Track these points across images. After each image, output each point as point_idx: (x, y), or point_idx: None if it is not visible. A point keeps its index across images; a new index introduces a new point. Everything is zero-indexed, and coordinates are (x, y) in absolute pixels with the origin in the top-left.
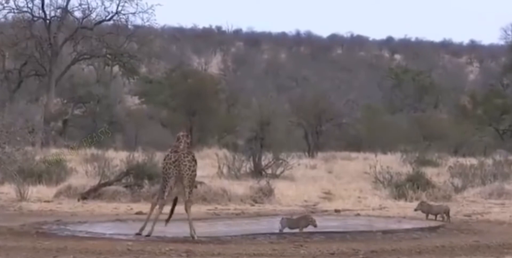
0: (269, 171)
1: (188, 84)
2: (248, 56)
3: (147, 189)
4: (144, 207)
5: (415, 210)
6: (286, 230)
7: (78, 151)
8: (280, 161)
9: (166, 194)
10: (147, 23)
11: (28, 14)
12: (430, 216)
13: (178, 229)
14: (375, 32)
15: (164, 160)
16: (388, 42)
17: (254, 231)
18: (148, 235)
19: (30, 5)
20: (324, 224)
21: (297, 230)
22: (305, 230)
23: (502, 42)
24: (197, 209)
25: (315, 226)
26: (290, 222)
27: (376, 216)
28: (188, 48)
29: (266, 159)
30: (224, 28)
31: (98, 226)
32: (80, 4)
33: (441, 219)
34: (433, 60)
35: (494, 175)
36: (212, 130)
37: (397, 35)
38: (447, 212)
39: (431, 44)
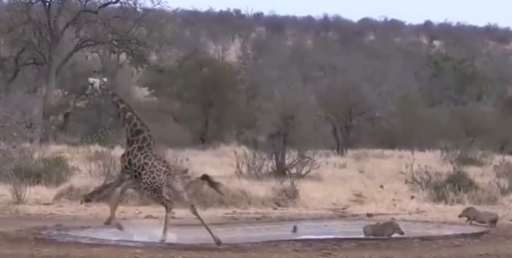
0: (294, 171)
1: (203, 74)
2: (270, 42)
3: None
4: (155, 210)
5: (460, 216)
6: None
7: (78, 149)
8: (306, 159)
9: (167, 197)
10: (157, 6)
11: None
12: (474, 222)
13: (191, 236)
14: (412, 16)
15: (150, 168)
16: (426, 27)
17: (277, 237)
18: (162, 241)
19: None
20: (354, 229)
21: (325, 237)
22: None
23: None
24: (214, 213)
25: (401, 233)
26: (375, 229)
27: (413, 221)
28: (203, 33)
29: (290, 157)
30: (243, 11)
31: (102, 231)
32: None
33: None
34: (476, 47)
35: None
36: (230, 124)
37: (436, 19)
38: (494, 221)
39: (474, 30)
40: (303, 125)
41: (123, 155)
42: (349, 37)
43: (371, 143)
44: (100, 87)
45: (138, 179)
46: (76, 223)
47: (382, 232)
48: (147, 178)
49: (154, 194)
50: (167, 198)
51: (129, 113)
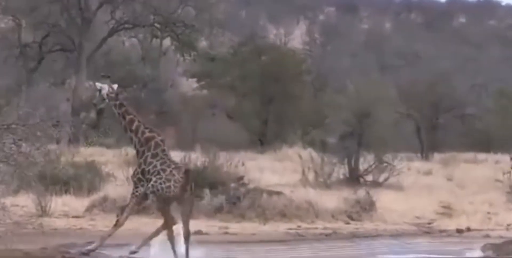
0: (370, 178)
1: (262, 63)
2: (341, 26)
3: (207, 201)
4: (204, 224)
5: None
6: None
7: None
8: (384, 165)
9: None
10: None
11: None
12: None
13: (249, 254)
14: None
15: (168, 176)
16: None
17: (351, 257)
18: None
19: None
20: (442, 248)
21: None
22: (417, 256)
23: None
24: (275, 227)
25: None
26: (495, 248)
27: None
28: (262, 15)
29: (366, 161)
30: None
31: (143, 250)
32: None
33: None
34: None
35: None
36: (294, 122)
37: None
38: None
39: None
40: (381, 124)
41: (134, 172)
42: (435, 19)
43: (462, 145)
44: (108, 95)
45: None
46: (111, 240)
47: (505, 251)
48: (161, 183)
49: (160, 203)
50: (170, 214)
51: (136, 123)
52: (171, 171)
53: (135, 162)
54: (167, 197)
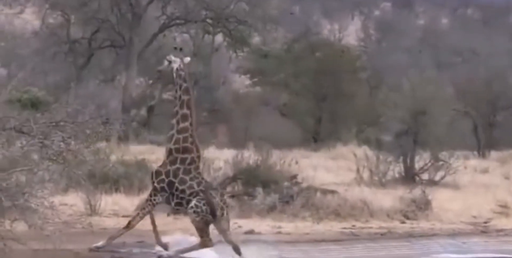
0: (425, 176)
1: (316, 60)
2: (396, 21)
3: (260, 200)
4: (257, 224)
5: None
6: None
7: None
8: (440, 163)
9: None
10: None
11: None
12: None
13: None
14: None
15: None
16: None
17: (406, 257)
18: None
19: None
20: (499, 247)
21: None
22: (473, 256)
23: None
24: (329, 227)
25: None
26: None
27: None
28: (316, 10)
29: (421, 160)
30: None
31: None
32: None
33: None
34: None
35: None
36: (349, 120)
37: None
38: None
39: None
40: (437, 122)
41: (158, 172)
42: (492, 16)
43: None
44: (177, 70)
45: (181, 205)
46: (162, 239)
47: None
48: (204, 205)
49: (203, 225)
50: (209, 234)
51: (186, 124)
52: (210, 193)
53: None
54: (209, 219)
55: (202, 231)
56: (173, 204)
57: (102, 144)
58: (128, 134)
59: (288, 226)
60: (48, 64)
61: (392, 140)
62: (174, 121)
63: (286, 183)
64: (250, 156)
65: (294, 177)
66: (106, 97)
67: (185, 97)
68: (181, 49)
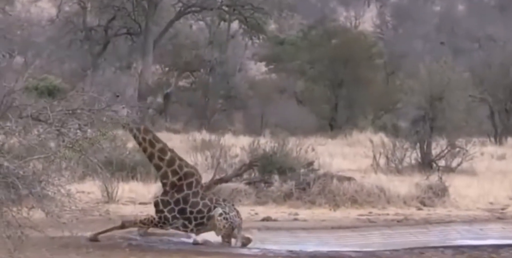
0: (442, 163)
1: (332, 46)
2: (413, 8)
3: (277, 187)
4: (273, 211)
5: None
6: None
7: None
8: (457, 150)
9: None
10: None
11: None
12: None
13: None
14: None
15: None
16: None
17: (422, 244)
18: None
19: None
20: None
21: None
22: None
23: None
24: (346, 214)
25: None
26: None
27: None
28: None
29: (438, 146)
30: None
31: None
32: None
33: None
34: None
35: None
36: (365, 107)
37: None
38: None
39: None
40: (454, 108)
41: (164, 201)
42: (509, 1)
43: None
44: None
45: (202, 224)
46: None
47: None
48: (228, 213)
49: (230, 230)
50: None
51: (169, 154)
52: (226, 204)
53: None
54: (236, 222)
55: (229, 237)
56: (191, 226)
57: (119, 132)
58: (145, 121)
59: (305, 213)
60: (64, 52)
61: (409, 126)
62: (156, 161)
63: (302, 170)
64: (266, 143)
65: (311, 163)
66: (122, 85)
67: (148, 136)
68: (118, 95)
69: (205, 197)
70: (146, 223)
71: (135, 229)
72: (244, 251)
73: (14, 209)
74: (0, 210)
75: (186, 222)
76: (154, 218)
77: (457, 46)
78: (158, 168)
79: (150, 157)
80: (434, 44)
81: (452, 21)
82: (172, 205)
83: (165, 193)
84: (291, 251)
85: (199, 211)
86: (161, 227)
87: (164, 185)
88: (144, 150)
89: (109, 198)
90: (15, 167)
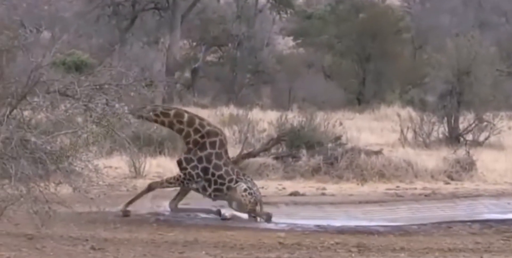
0: (470, 137)
1: (360, 21)
2: None
3: (305, 162)
4: (301, 185)
5: None
6: None
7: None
8: (485, 124)
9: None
10: None
11: None
12: None
13: (345, 215)
14: None
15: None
16: None
17: (450, 218)
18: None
19: None
20: None
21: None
22: None
23: None
24: (373, 188)
25: None
26: None
27: None
28: None
29: (466, 120)
30: None
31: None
32: None
33: None
34: None
35: None
36: (393, 81)
37: None
38: None
39: None
40: (481, 82)
41: (188, 159)
42: None
43: None
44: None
45: (220, 191)
46: (207, 201)
47: None
48: (253, 186)
49: (255, 206)
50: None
51: (187, 115)
52: (247, 179)
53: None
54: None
55: (255, 212)
56: (210, 190)
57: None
58: (172, 96)
59: (332, 188)
60: (91, 27)
61: (436, 101)
62: (177, 126)
63: (330, 145)
64: (294, 118)
65: (338, 138)
66: (150, 60)
67: (157, 111)
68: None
69: (228, 164)
70: (172, 181)
71: (166, 203)
72: (271, 226)
73: (42, 184)
74: (28, 186)
75: (206, 185)
76: (180, 176)
77: (484, 20)
78: (180, 131)
79: (171, 126)
80: (461, 18)
81: None
82: (196, 162)
83: (188, 151)
84: (318, 225)
85: (221, 176)
86: (187, 185)
87: (187, 143)
88: (163, 123)
89: (137, 173)
90: (43, 142)
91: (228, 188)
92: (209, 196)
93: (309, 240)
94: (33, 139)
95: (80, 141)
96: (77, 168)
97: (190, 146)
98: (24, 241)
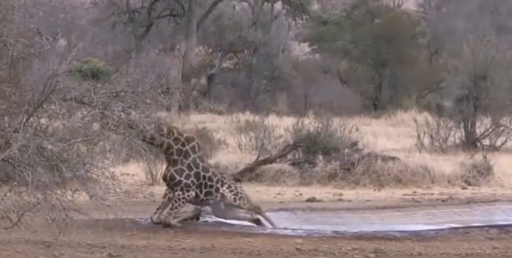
0: (486, 142)
1: (376, 26)
2: None
3: (321, 168)
4: (318, 191)
5: None
6: None
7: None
8: (502, 128)
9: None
10: None
11: None
12: None
13: (362, 220)
14: None
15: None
16: None
17: (467, 223)
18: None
19: None
20: None
21: None
22: None
23: None
24: (390, 193)
25: None
26: None
27: None
28: None
29: (482, 125)
30: None
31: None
32: None
33: None
34: None
35: None
36: (409, 87)
37: None
38: None
39: None
40: (498, 87)
41: (178, 170)
42: None
43: None
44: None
45: (210, 194)
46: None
47: None
48: (235, 189)
49: (249, 204)
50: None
51: (165, 128)
52: (226, 178)
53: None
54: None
55: (255, 208)
56: (202, 195)
57: (163, 113)
58: (189, 103)
59: (349, 193)
60: (107, 34)
61: (453, 106)
62: (158, 139)
63: (347, 150)
64: (310, 123)
65: (355, 143)
66: (166, 67)
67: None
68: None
69: (210, 166)
70: (177, 205)
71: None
72: (289, 232)
73: (59, 192)
74: (45, 193)
75: (198, 191)
76: (178, 194)
77: (500, 24)
78: (161, 144)
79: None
80: (477, 23)
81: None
82: (187, 171)
83: (174, 163)
84: (335, 231)
85: (210, 178)
86: (189, 199)
87: (170, 155)
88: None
89: (153, 180)
90: (59, 150)
91: (216, 190)
92: (201, 201)
93: (327, 246)
94: (49, 147)
95: (97, 148)
96: (94, 175)
97: (175, 157)
98: (41, 248)
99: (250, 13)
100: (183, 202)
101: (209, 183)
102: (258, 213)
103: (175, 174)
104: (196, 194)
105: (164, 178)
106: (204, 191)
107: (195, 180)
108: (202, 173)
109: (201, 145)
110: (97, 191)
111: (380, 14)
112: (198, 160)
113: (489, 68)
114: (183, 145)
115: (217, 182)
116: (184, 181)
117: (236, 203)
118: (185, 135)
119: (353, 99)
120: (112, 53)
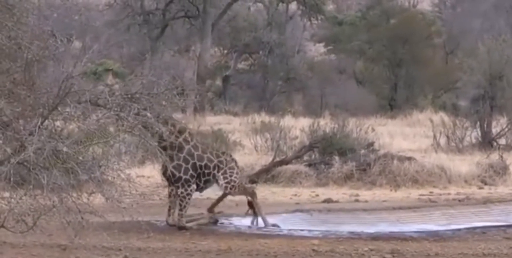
0: (503, 141)
1: (391, 26)
2: None
3: (337, 168)
4: (334, 192)
5: None
6: None
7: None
8: None
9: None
10: None
11: None
12: None
13: (379, 221)
14: None
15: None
16: None
17: (484, 223)
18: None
19: None
20: None
21: None
22: None
23: None
24: (406, 194)
25: None
26: None
27: None
28: None
29: (499, 125)
30: None
31: (272, 219)
32: None
33: None
34: None
35: None
36: (424, 87)
37: None
38: None
39: None
40: None
41: (176, 166)
42: None
43: None
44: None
45: (209, 181)
46: (238, 209)
47: None
48: (230, 176)
49: (243, 189)
50: (250, 185)
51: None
52: (225, 159)
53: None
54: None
55: (245, 191)
56: (201, 183)
57: (178, 115)
58: (204, 105)
59: (366, 194)
60: (122, 36)
61: (469, 105)
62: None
63: (363, 151)
64: (326, 124)
65: (371, 144)
66: (181, 68)
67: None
68: None
69: (206, 150)
70: (184, 204)
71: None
72: (305, 233)
73: (74, 194)
74: (60, 196)
75: (197, 181)
76: (181, 192)
77: None
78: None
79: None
80: (492, 22)
81: None
82: (184, 165)
83: (170, 158)
84: (352, 232)
85: (206, 166)
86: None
87: (163, 149)
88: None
89: None
90: (74, 152)
91: (214, 176)
92: (201, 189)
93: (343, 247)
94: (65, 149)
95: (112, 150)
96: (109, 178)
97: (169, 151)
98: (57, 251)
99: (265, 14)
100: (188, 199)
101: (206, 171)
102: (253, 199)
103: (174, 171)
104: (197, 184)
105: (164, 173)
106: (203, 179)
107: (193, 173)
108: (198, 163)
109: (192, 132)
110: (112, 193)
111: (395, 14)
112: (192, 150)
113: (504, 67)
114: (176, 137)
115: (213, 168)
116: (184, 176)
117: (227, 191)
118: (177, 126)
119: (369, 99)
120: (127, 55)
